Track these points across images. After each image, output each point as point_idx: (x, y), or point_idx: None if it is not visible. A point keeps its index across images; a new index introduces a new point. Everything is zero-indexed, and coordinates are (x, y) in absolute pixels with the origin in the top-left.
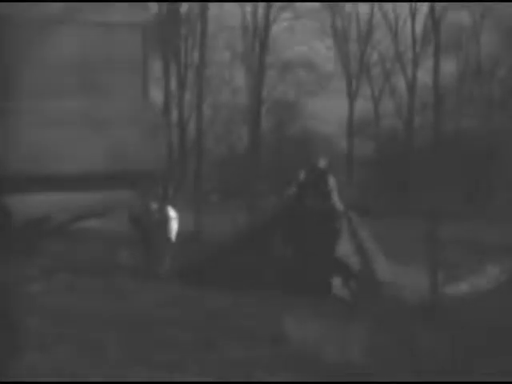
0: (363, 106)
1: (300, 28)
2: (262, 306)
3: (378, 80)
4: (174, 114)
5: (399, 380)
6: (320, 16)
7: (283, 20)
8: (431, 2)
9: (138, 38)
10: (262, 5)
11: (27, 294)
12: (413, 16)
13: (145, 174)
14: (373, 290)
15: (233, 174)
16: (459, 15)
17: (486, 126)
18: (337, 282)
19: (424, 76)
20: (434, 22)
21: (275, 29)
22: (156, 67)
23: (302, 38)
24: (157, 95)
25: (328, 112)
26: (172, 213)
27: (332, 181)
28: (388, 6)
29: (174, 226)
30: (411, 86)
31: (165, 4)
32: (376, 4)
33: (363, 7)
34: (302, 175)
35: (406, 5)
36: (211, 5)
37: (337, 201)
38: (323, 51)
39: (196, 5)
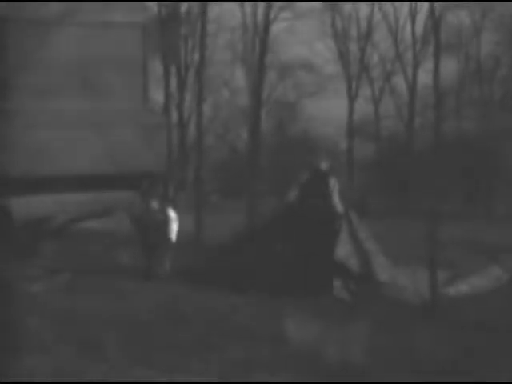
0: (363, 106)
1: (300, 28)
2: (262, 307)
3: (378, 81)
4: (174, 114)
5: (399, 380)
6: (320, 16)
7: (283, 20)
8: (431, 2)
9: (138, 38)
10: (261, 5)
11: (28, 294)
12: (413, 16)
13: (145, 175)
14: (373, 290)
15: (233, 174)
16: (459, 15)
17: (486, 126)
18: (337, 282)
19: (424, 76)
20: (434, 22)
21: (275, 29)
22: (156, 67)
23: (302, 38)
24: (157, 95)
25: (328, 113)
26: (172, 213)
27: (333, 183)
28: (388, 6)
29: (175, 226)
30: (411, 87)
31: (165, 4)
32: (376, 4)
33: (363, 7)
34: (303, 177)
35: (406, 5)
36: (211, 5)
37: (338, 202)
38: (323, 52)
39: (196, 5)
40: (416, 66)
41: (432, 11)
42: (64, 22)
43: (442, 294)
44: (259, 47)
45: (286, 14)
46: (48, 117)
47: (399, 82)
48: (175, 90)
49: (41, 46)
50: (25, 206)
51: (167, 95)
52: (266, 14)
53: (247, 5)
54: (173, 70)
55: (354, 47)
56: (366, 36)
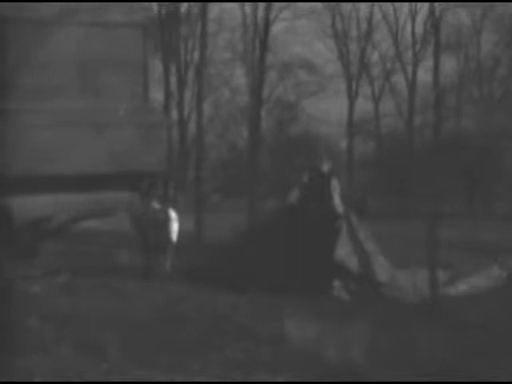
0: (363, 105)
1: (300, 28)
2: (262, 307)
3: (378, 80)
4: (174, 114)
5: (399, 380)
6: (320, 16)
7: (283, 20)
8: (431, 2)
9: (138, 38)
10: (262, 5)
11: (28, 294)
12: (413, 16)
13: (145, 175)
14: (373, 290)
15: (233, 174)
16: (459, 15)
17: (485, 125)
18: (337, 282)
19: (424, 75)
20: (434, 22)
21: (275, 29)
22: (156, 67)
23: (302, 38)
24: (157, 95)
25: (328, 112)
26: (173, 213)
27: (334, 183)
28: (388, 6)
29: (175, 226)
30: (411, 86)
31: (165, 4)
32: (376, 4)
33: (363, 7)
34: (304, 178)
35: (406, 5)
36: (211, 5)
37: (338, 203)
38: (323, 51)
39: (196, 5)
40: (416, 65)
41: (432, 11)
42: (64, 22)
43: (442, 294)
44: (259, 47)
45: (286, 14)
46: (48, 117)
47: (399, 81)
48: (175, 89)
49: (41, 46)
50: (25, 206)
51: (167, 95)
52: (266, 14)
53: (247, 5)
54: (173, 69)
55: (354, 47)
56: (366, 36)
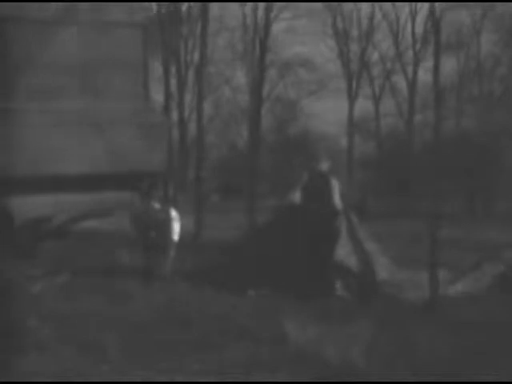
0: (364, 105)
1: (300, 28)
2: (263, 306)
3: (378, 79)
4: (174, 114)
5: (399, 380)
6: (320, 16)
7: (283, 20)
8: (431, 1)
9: (138, 37)
10: (262, 5)
11: (28, 295)
12: (413, 16)
13: (146, 175)
14: (373, 290)
15: (233, 174)
16: (459, 15)
17: (486, 125)
18: (337, 282)
19: (424, 75)
20: (435, 21)
21: (275, 28)
22: (156, 67)
23: (302, 38)
24: (157, 95)
25: (328, 111)
26: (174, 213)
27: (334, 183)
28: (388, 6)
29: (176, 226)
30: (412, 85)
31: (165, 4)
32: (376, 4)
33: (364, 7)
34: (304, 178)
35: (407, 5)
36: (211, 5)
37: (338, 203)
38: (324, 51)
39: (196, 5)
40: (416, 64)
41: (432, 11)
42: (64, 21)
43: (442, 294)
44: (259, 47)
45: (286, 14)
46: (48, 117)
47: (399, 81)
48: (175, 89)
49: (41, 46)
50: (25, 205)
51: (167, 94)
52: (266, 14)
53: (247, 5)
54: (173, 69)
55: (354, 47)
56: (367, 35)
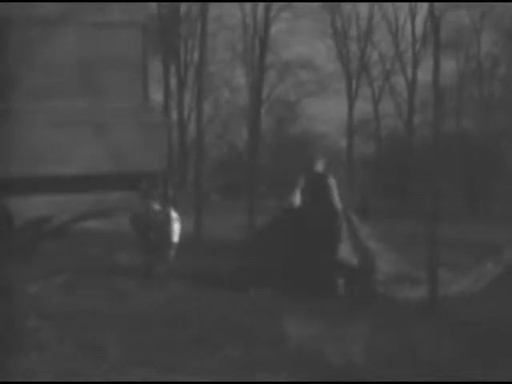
0: (363, 105)
1: (300, 28)
2: (263, 305)
3: (377, 80)
4: (174, 114)
5: (399, 380)
6: (320, 16)
7: (283, 20)
8: (431, 1)
9: (138, 37)
10: (261, 5)
11: (27, 294)
12: (413, 16)
13: (145, 175)
14: (373, 289)
15: (233, 174)
16: (459, 15)
17: (486, 125)
18: (337, 281)
19: (424, 75)
20: (434, 21)
21: (275, 29)
22: (156, 67)
23: (302, 38)
24: (157, 95)
25: (328, 112)
26: (174, 213)
27: (332, 183)
28: (388, 5)
29: (177, 226)
30: (411, 86)
31: (165, 4)
32: (376, 4)
33: (363, 7)
34: (301, 181)
35: (406, 4)
36: (211, 5)
37: (337, 202)
38: (323, 51)
39: (196, 5)
40: (416, 64)
41: (432, 11)
42: (64, 21)
43: (442, 294)
44: (259, 47)
45: (285, 14)
46: (48, 117)
47: (399, 81)
48: (175, 89)
49: (41, 46)
50: (25, 205)
51: (167, 94)
52: (266, 14)
53: (247, 5)
54: (173, 69)
55: (353, 47)
56: (366, 35)
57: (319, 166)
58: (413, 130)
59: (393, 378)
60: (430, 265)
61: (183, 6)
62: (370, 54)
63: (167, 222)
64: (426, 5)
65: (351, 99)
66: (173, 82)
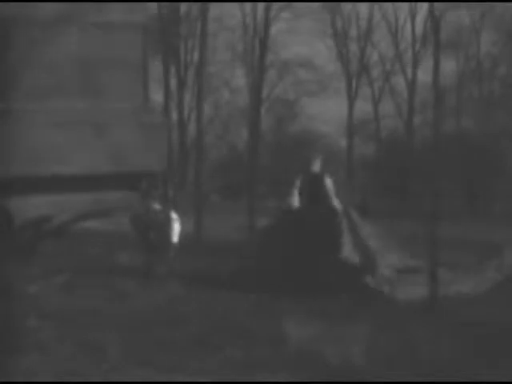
0: (363, 106)
1: (300, 28)
2: (262, 306)
3: (377, 80)
4: (174, 114)
5: (399, 380)
6: (320, 16)
7: (283, 20)
8: (431, 1)
9: (138, 38)
10: (261, 5)
11: (27, 294)
12: (413, 16)
13: (145, 175)
14: (373, 289)
15: (233, 174)
16: (459, 15)
17: (485, 125)
18: (337, 281)
19: (424, 76)
20: (434, 21)
21: (275, 29)
22: (156, 67)
23: (302, 38)
24: (157, 96)
25: (328, 112)
26: (174, 214)
27: (329, 182)
28: (388, 5)
29: (177, 226)
30: (411, 86)
31: (165, 4)
32: (376, 4)
33: (363, 7)
34: (298, 182)
35: (406, 5)
36: (211, 5)
37: (335, 201)
38: (323, 51)
39: (196, 5)
40: (416, 65)
41: (432, 11)
42: (64, 22)
43: (442, 294)
44: (259, 47)
45: (285, 14)
46: (48, 117)
47: (399, 82)
48: (175, 89)
49: (41, 46)
50: (25, 205)
51: (167, 95)
52: (266, 14)
53: (247, 5)
54: (173, 69)
55: (353, 47)
56: (366, 36)
57: (317, 165)
58: (413, 131)
59: (393, 379)
60: (430, 265)
61: (183, 6)
62: (370, 54)
63: (167, 222)
64: (426, 5)
65: (351, 99)
66: (173, 82)
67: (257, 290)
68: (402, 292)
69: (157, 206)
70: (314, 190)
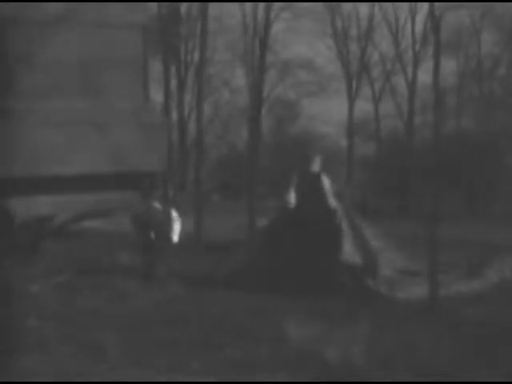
0: (363, 106)
1: (300, 28)
2: (263, 306)
3: (378, 80)
4: (174, 114)
5: (399, 380)
6: (320, 16)
7: (283, 20)
8: (431, 1)
9: (138, 38)
10: (261, 5)
11: (28, 294)
12: (413, 16)
13: (145, 174)
14: (374, 289)
15: (233, 174)
16: (459, 15)
17: (486, 125)
18: (337, 281)
19: (424, 76)
20: (434, 21)
21: (275, 29)
22: (156, 67)
23: (302, 38)
24: (157, 95)
25: (328, 112)
26: (174, 213)
27: (326, 182)
28: (388, 5)
29: (177, 226)
30: (411, 86)
31: (165, 4)
32: (376, 4)
33: (363, 7)
34: (294, 180)
35: (406, 5)
36: (211, 5)
37: (333, 201)
38: (323, 51)
39: (196, 5)
40: (416, 65)
41: (432, 11)
42: (64, 21)
43: (442, 294)
44: (259, 47)
45: (286, 14)
46: (48, 117)
47: (399, 82)
48: (175, 89)
49: (41, 46)
50: (25, 205)
51: (167, 95)
52: (266, 14)
53: (247, 5)
54: (173, 69)
55: (353, 47)
56: (366, 36)
57: (315, 165)
58: (413, 131)
59: (393, 379)
60: (430, 265)
61: (183, 6)
62: (371, 55)
63: (167, 221)
64: (426, 5)
65: (351, 99)
66: (173, 82)
67: (257, 289)
68: (402, 292)
69: (157, 206)
70: (309, 189)
